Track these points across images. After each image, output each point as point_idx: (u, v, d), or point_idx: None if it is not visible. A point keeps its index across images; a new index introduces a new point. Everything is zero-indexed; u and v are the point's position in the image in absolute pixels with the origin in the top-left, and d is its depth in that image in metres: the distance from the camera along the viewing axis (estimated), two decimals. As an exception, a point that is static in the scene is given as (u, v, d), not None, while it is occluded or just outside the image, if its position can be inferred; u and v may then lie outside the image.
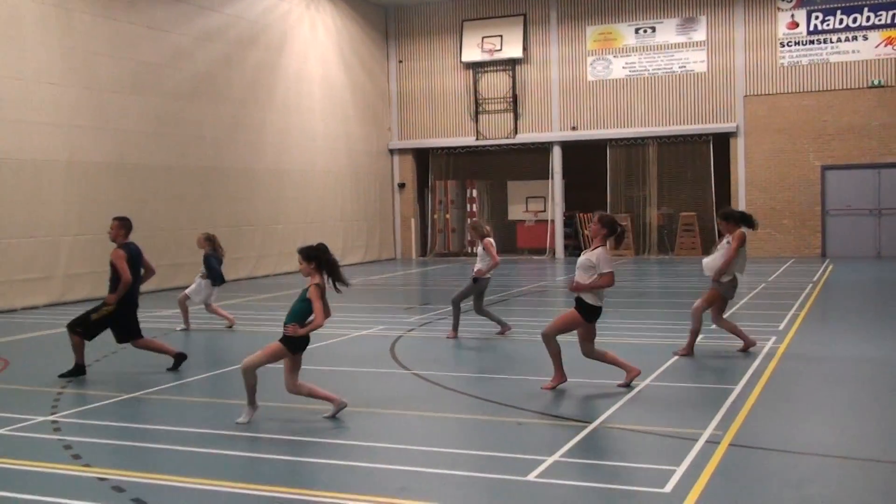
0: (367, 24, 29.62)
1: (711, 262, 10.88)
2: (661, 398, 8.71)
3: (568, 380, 9.03)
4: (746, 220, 10.98)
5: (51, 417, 8.15)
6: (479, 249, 12.50)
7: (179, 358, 10.40)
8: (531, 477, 6.12)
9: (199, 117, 21.85)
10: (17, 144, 17.11)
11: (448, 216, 31.18)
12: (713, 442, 6.87)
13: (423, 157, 31.30)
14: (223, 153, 22.67)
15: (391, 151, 30.98)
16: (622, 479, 6.08)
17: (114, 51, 19.37)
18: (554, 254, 29.49)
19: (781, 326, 12.83)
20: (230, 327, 13.92)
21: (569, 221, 29.80)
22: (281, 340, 7.83)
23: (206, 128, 22.09)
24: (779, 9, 26.49)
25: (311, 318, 7.81)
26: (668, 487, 5.83)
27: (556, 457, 6.56)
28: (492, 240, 12.49)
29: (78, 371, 10.07)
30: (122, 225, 10.34)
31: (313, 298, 7.76)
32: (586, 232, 29.42)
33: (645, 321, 13.59)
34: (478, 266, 12.46)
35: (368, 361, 10.90)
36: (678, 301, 16.31)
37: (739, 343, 10.91)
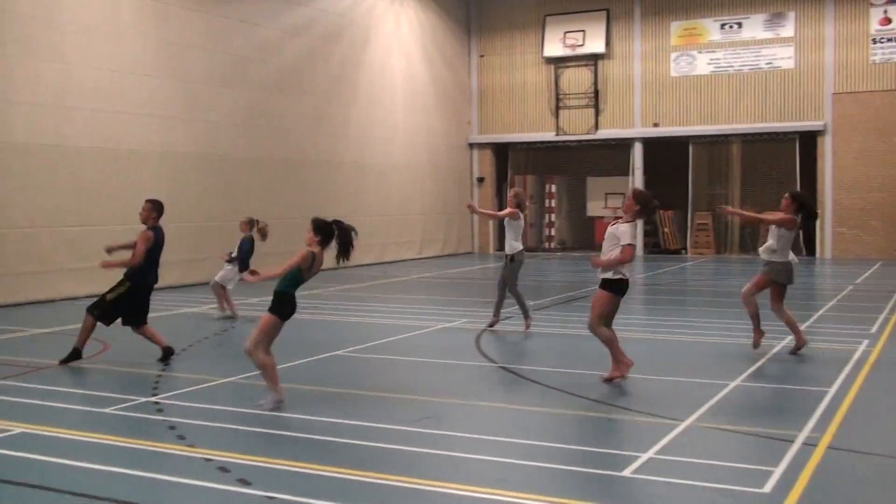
0: (449, 18, 29.75)
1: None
2: (752, 399, 8.65)
3: (634, 365, 9.03)
4: (806, 207, 10.66)
5: (152, 399, 8.44)
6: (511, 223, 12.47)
7: (167, 352, 10.32)
8: (627, 473, 6.15)
9: (285, 110, 22.24)
10: (114, 134, 17.66)
11: (526, 211, 31.10)
12: (810, 444, 6.80)
13: (502, 152, 31.34)
14: (307, 146, 23.03)
15: (471, 146, 31.09)
16: (719, 478, 6.06)
17: (206, 43, 19.83)
18: (633, 251, 29.19)
19: (873, 330, 12.57)
20: (231, 317, 14.09)
21: (649, 218, 29.49)
22: (270, 310, 8.00)
23: (292, 120, 22.47)
24: (871, 4, 25.83)
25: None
26: (767, 488, 5.81)
27: (650, 453, 6.58)
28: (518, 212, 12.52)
29: (74, 355, 10.09)
30: (154, 208, 10.51)
31: (296, 256, 7.88)
32: (666, 229, 29.19)
33: (727, 321, 13.42)
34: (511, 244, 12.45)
35: (455, 354, 11.01)
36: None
37: (822, 345, 10.71)
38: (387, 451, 6.77)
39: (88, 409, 8.15)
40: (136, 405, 8.21)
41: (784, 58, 26.83)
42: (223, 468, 6.28)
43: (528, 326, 12.55)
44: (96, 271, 17.21)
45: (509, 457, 6.63)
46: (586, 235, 31.66)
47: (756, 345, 10.60)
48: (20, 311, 15.30)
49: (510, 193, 12.95)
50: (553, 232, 31.25)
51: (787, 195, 10.83)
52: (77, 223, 17.02)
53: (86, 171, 17.16)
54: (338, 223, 8.11)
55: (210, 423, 7.54)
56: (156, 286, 10.72)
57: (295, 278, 8.02)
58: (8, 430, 7.28)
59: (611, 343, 9.04)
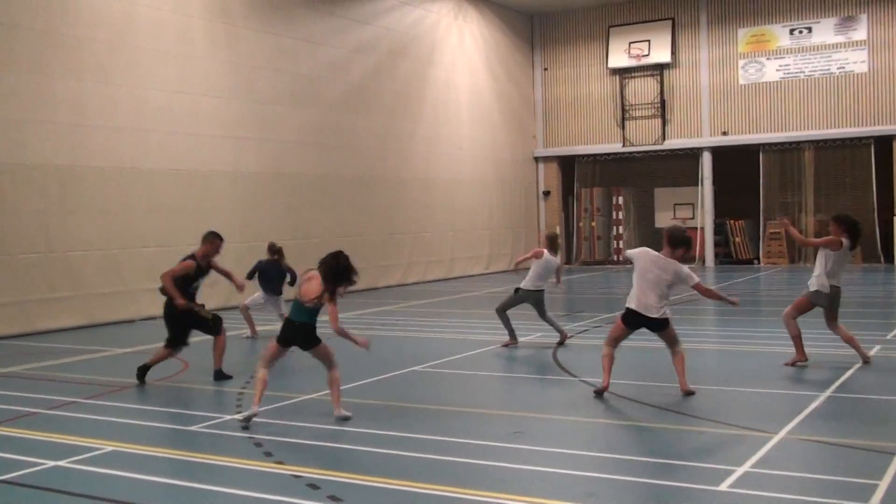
0: (512, 32, 29.74)
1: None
2: (843, 411, 8.39)
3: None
4: (852, 229, 10.29)
5: (237, 416, 8.49)
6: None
7: (141, 372, 10.33)
8: (724, 487, 5.99)
9: (352, 128, 22.41)
10: (187, 156, 17.97)
11: (594, 224, 30.93)
12: (912, 457, 6.56)
13: (568, 165, 31.16)
14: (374, 163, 23.16)
15: (536, 159, 30.98)
16: (821, 492, 5.87)
17: (274, 64, 20.10)
18: (704, 261, 28.82)
19: (965, 338, 12.15)
20: (251, 337, 14.18)
21: (719, 229, 29.08)
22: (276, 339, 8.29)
23: (359, 138, 22.63)
24: (947, 4, 25.15)
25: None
26: (874, 501, 5.60)
27: (746, 467, 6.40)
28: (544, 252, 12.38)
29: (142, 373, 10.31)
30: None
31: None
32: (737, 239, 28.69)
33: (807, 331, 13.07)
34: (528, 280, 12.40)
35: (535, 368, 10.92)
36: (840, 312, 15.67)
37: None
38: (480, 466, 6.69)
39: (175, 426, 8.23)
40: (221, 423, 8.27)
41: (856, 62, 26.24)
42: (313, 485, 6.26)
43: (508, 344, 12.49)
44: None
45: (599, 471, 6.52)
46: (655, 247, 31.07)
47: (792, 363, 10.33)
48: (101, 331, 15.60)
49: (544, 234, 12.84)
50: (621, 244, 30.92)
51: (832, 218, 10.55)
52: (153, 244, 17.31)
53: (161, 192, 17.48)
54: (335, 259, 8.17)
55: (295, 440, 7.55)
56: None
57: (296, 307, 8.34)
58: (99, 448, 7.38)
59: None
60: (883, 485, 5.92)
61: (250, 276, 14.10)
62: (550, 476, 6.45)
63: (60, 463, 6.98)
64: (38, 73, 15.47)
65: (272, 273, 14.24)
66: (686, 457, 6.79)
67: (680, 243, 8.93)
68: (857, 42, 26.28)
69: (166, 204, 17.58)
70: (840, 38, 26.45)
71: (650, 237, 31.42)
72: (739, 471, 6.32)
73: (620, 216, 30.91)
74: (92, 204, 16.28)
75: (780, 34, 27.19)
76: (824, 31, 26.62)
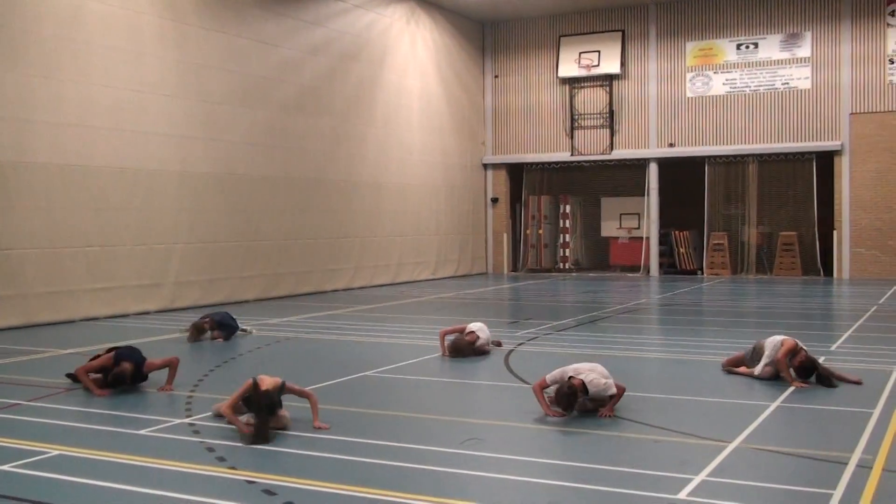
0: (464, 39, 29.80)
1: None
2: (795, 421, 8.52)
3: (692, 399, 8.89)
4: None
5: (187, 420, 8.32)
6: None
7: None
8: (683, 496, 6.02)
9: (304, 130, 22.23)
10: (134, 154, 17.63)
11: (541, 231, 31.09)
12: (864, 466, 6.66)
13: (516, 172, 31.30)
14: (325, 165, 23.00)
15: (485, 166, 31.06)
16: (778, 501, 5.93)
17: (225, 64, 19.84)
18: (648, 271, 29.14)
19: (906, 350, 12.41)
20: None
21: (664, 239, 29.44)
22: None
23: (310, 140, 22.45)
24: (888, 25, 25.81)
25: None
26: (831, 511, 5.67)
27: (703, 476, 6.45)
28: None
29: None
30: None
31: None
32: (682, 250, 29.06)
33: (752, 341, 13.26)
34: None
35: (486, 374, 10.89)
36: (780, 322, 15.96)
37: (857, 366, 10.55)
38: (440, 473, 6.63)
39: (123, 430, 8.01)
40: (171, 427, 8.09)
41: (800, 78, 26.78)
42: (268, 491, 6.16)
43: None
44: (116, 291, 17.28)
45: (560, 479, 6.52)
46: (601, 256, 31.56)
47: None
48: (40, 331, 15.21)
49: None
50: (567, 252, 31.15)
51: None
52: (98, 243, 16.95)
53: (107, 191, 17.12)
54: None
55: (248, 445, 7.40)
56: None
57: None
58: (45, 452, 7.17)
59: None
60: (837, 494, 6.00)
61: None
62: (511, 483, 6.42)
63: (4, 467, 6.76)
64: (-19, 66, 15.06)
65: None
66: (644, 465, 6.81)
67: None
68: (801, 59, 26.82)
69: (112, 202, 17.22)
70: (785, 55, 26.97)
71: (596, 246, 31.76)
72: (697, 479, 6.36)
73: (567, 224, 31.12)
74: (35, 201, 15.87)
75: (727, 49, 27.65)
76: (770, 46, 27.13)
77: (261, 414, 7.56)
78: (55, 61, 16.15)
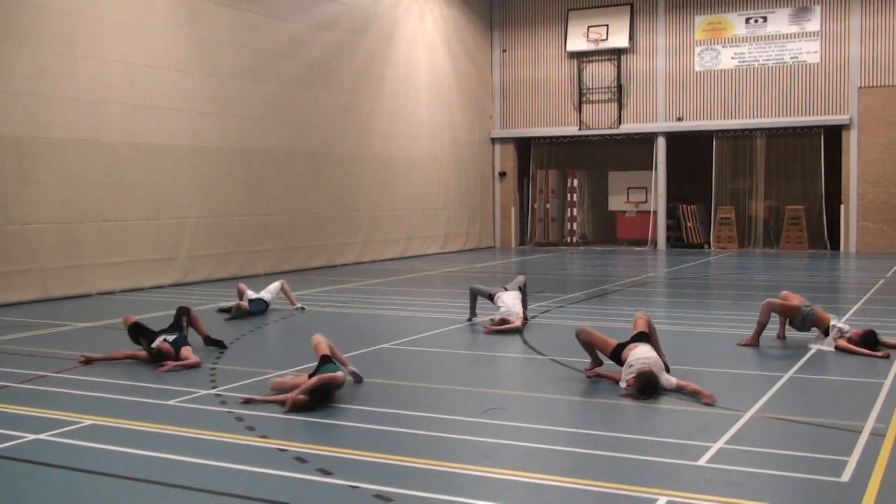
0: (472, 13, 29.78)
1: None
2: (809, 390, 8.69)
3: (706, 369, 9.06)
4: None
5: (213, 391, 8.51)
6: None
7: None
8: (702, 462, 6.20)
9: (313, 104, 22.30)
10: (147, 129, 17.74)
11: (548, 205, 31.21)
12: (878, 434, 6.84)
13: (524, 147, 31.36)
14: (334, 140, 23.09)
15: (493, 140, 31.12)
16: (795, 467, 6.11)
17: (235, 39, 19.90)
18: (656, 245, 29.27)
19: (915, 322, 12.57)
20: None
21: (672, 213, 29.54)
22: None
23: (319, 115, 22.53)
24: (897, -2, 25.74)
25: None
26: (846, 477, 5.85)
27: (721, 443, 6.62)
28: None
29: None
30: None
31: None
32: (689, 224, 29.17)
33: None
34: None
35: (502, 347, 11.06)
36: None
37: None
38: (462, 441, 6.82)
39: (152, 401, 8.19)
40: (198, 397, 8.28)
41: (809, 52, 26.77)
42: (300, 458, 6.34)
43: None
44: (131, 266, 17.46)
45: (581, 447, 6.70)
46: (608, 230, 31.69)
47: (746, 344, 10.77)
48: (58, 305, 15.40)
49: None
50: (575, 226, 31.28)
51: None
52: (112, 218, 17.11)
53: (120, 165, 17.25)
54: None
55: (275, 415, 7.59)
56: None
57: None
58: (78, 422, 7.36)
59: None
60: (852, 461, 6.17)
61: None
62: (533, 451, 6.60)
63: (41, 436, 6.95)
64: (-4, 41, 15.15)
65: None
66: (663, 433, 6.99)
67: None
68: (810, 33, 26.80)
69: (125, 177, 17.35)
70: (794, 29, 26.95)
71: (604, 220, 31.89)
72: (715, 447, 6.54)
73: (575, 198, 31.25)
74: (50, 176, 16.01)
75: (735, 23, 27.61)
76: (779, 20, 27.09)
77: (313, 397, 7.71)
78: (68, 37, 16.23)
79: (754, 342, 10.74)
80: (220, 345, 10.71)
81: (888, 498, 5.49)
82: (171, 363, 9.59)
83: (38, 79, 15.74)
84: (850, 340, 10.22)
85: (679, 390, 8.16)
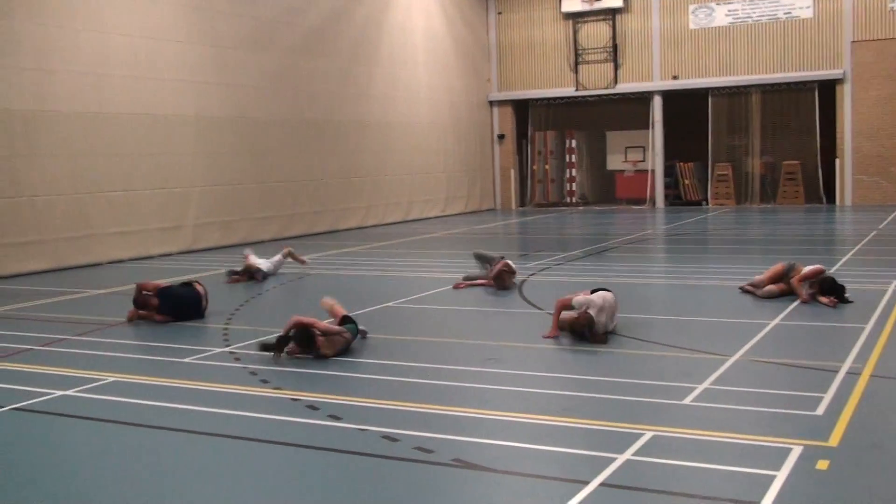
0: (467, -24, 29.89)
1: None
2: (792, 336, 9.13)
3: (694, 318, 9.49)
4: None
5: (227, 349, 8.96)
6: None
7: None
8: (688, 401, 6.65)
9: (312, 72, 22.58)
10: (150, 100, 18.07)
11: (547, 167, 31.53)
12: (853, 373, 7.27)
13: (522, 109, 31.62)
14: (333, 107, 23.40)
15: (491, 103, 31.38)
16: (773, 404, 6.55)
17: (234, 8, 20.15)
18: (654, 203, 29.64)
19: (902, 271, 12.98)
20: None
21: (669, 171, 29.87)
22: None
23: (319, 82, 22.82)
24: (890, -49, 25.86)
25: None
26: (820, 411, 6.29)
27: (706, 384, 7.07)
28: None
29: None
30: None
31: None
32: (687, 181, 29.50)
33: (757, 266, 13.83)
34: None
35: (502, 303, 11.50)
36: (785, 248, 16.52)
37: (854, 286, 11.07)
38: (461, 388, 7.29)
39: (169, 359, 8.66)
40: (213, 355, 8.73)
41: (802, 7, 26.94)
42: (312, 406, 6.79)
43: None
44: (139, 235, 17.89)
45: (573, 390, 7.15)
46: (607, 189, 32.02)
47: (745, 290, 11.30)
48: (70, 274, 15.83)
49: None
50: (574, 186, 31.62)
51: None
52: (119, 188, 17.50)
53: (125, 137, 17.60)
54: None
55: (288, 369, 8.04)
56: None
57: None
58: (101, 379, 7.82)
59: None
60: (827, 397, 6.61)
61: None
62: (527, 395, 7.05)
63: (68, 392, 7.41)
64: (1, 17, 15.44)
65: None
66: (651, 377, 7.43)
67: None
68: (803, -12, 26.95)
69: (130, 148, 17.71)
70: (787, -16, 27.09)
71: (602, 179, 32.21)
72: (700, 388, 6.98)
73: (573, 159, 31.55)
74: (57, 149, 16.38)
75: (729, -20, 27.76)
76: (772, -24, 27.23)
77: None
78: (71, 10, 16.52)
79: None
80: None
81: (857, 428, 5.93)
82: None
83: (43, 53, 16.06)
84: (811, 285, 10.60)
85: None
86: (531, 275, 13.72)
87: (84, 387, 7.59)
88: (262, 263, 14.37)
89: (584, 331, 8.70)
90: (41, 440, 6.30)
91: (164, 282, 11.01)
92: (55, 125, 16.33)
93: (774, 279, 11.08)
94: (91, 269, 16.54)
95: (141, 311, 10.56)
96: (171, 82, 18.55)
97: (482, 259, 13.23)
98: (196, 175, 19.24)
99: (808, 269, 10.79)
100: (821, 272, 10.71)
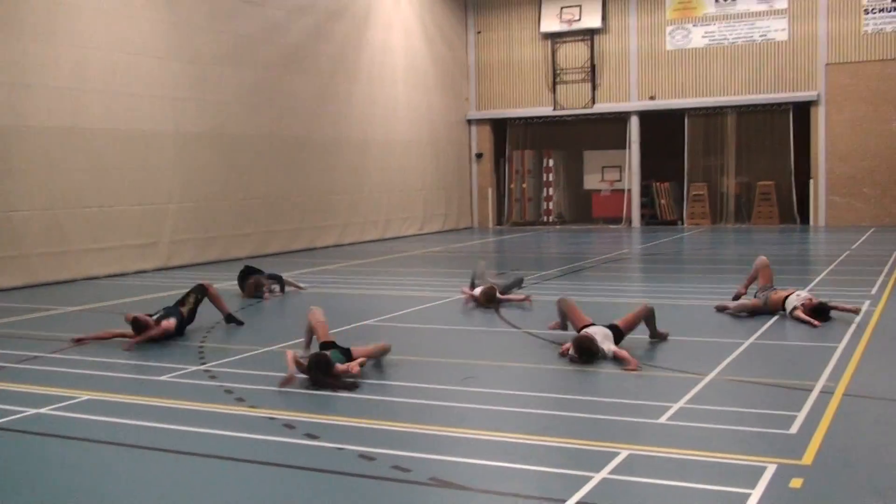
0: (446, -5, 30.07)
1: None
2: (767, 355, 9.20)
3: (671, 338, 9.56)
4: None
5: (202, 367, 8.91)
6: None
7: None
8: (663, 420, 6.68)
9: (291, 89, 22.60)
10: (128, 116, 18.01)
11: (525, 185, 31.66)
12: (827, 392, 7.34)
13: (500, 128, 31.77)
14: (313, 124, 23.41)
15: (469, 122, 31.51)
16: (748, 422, 6.60)
17: (213, 24, 20.14)
18: (630, 223, 29.81)
19: (874, 291, 13.14)
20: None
21: (645, 191, 30.08)
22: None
23: (297, 99, 22.83)
24: (863, -25, 26.27)
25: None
26: (794, 429, 6.34)
27: (681, 403, 7.11)
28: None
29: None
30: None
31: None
32: (662, 201, 29.71)
33: (730, 286, 13.94)
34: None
35: (479, 321, 11.51)
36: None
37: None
38: (439, 407, 7.28)
39: (145, 377, 8.60)
40: (188, 373, 8.69)
41: (778, 29, 27.29)
42: (288, 425, 6.77)
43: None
44: (115, 251, 17.78)
45: (551, 409, 7.17)
46: (583, 208, 32.18)
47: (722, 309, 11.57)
48: (44, 290, 15.70)
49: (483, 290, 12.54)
50: (551, 206, 31.76)
51: None
52: (95, 204, 17.40)
53: (102, 152, 17.52)
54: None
55: (264, 387, 7.99)
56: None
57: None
58: (75, 398, 7.75)
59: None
60: (801, 415, 6.67)
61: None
62: (504, 414, 7.06)
63: (41, 410, 7.34)
64: (-23, 32, 15.38)
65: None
66: (627, 395, 7.47)
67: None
68: (778, 10, 27.31)
69: (107, 164, 17.63)
70: (762, 7, 27.44)
71: (579, 199, 32.39)
72: (675, 407, 7.02)
73: (551, 178, 31.72)
74: (33, 164, 16.26)
75: (706, 2, 28.07)
76: (748, -1, 27.59)
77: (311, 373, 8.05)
78: (48, 25, 16.46)
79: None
80: (237, 322, 11.29)
81: (830, 446, 5.99)
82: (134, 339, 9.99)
83: (19, 67, 15.98)
84: (804, 309, 10.72)
85: (614, 357, 8.64)
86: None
87: (58, 405, 7.52)
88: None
89: (584, 348, 8.66)
90: (14, 458, 6.23)
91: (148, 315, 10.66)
92: (32, 140, 16.23)
93: (753, 280, 11.65)
94: (66, 285, 16.40)
95: (140, 336, 10.13)
96: (149, 98, 18.50)
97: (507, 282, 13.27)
98: (173, 191, 19.16)
99: (804, 300, 10.86)
100: (813, 302, 10.84)
